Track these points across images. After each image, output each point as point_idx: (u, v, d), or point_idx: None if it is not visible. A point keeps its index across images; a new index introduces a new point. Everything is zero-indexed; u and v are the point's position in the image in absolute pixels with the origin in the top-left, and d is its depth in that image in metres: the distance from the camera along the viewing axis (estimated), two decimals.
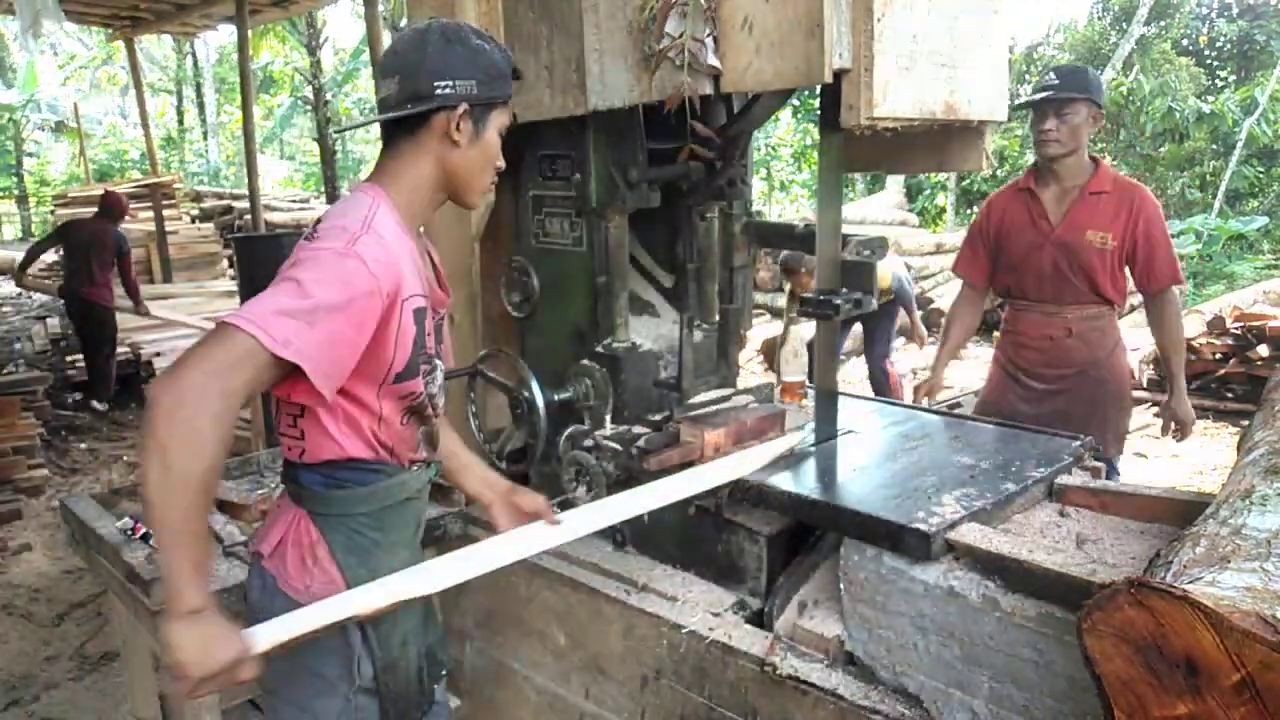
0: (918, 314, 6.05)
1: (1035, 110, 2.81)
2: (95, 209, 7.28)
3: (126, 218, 7.31)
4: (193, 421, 1.22)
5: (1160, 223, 2.83)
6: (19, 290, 8.86)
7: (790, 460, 2.03)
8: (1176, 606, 1.03)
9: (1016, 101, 2.49)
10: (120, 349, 7.04)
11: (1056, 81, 2.77)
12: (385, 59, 1.52)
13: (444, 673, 1.77)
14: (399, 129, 1.51)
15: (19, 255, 12.47)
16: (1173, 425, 2.98)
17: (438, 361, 1.61)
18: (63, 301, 6.99)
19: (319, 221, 1.46)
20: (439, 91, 1.46)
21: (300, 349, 1.29)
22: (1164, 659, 1.05)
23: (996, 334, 3.32)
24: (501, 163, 1.60)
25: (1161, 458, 5.37)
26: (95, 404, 6.89)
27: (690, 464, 1.97)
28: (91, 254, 6.74)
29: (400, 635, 1.59)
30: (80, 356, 7.20)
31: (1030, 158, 12.71)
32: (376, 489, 1.53)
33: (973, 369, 7.20)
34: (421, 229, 1.62)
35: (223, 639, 1.25)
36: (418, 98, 1.47)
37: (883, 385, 5.83)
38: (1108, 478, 2.84)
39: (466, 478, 1.80)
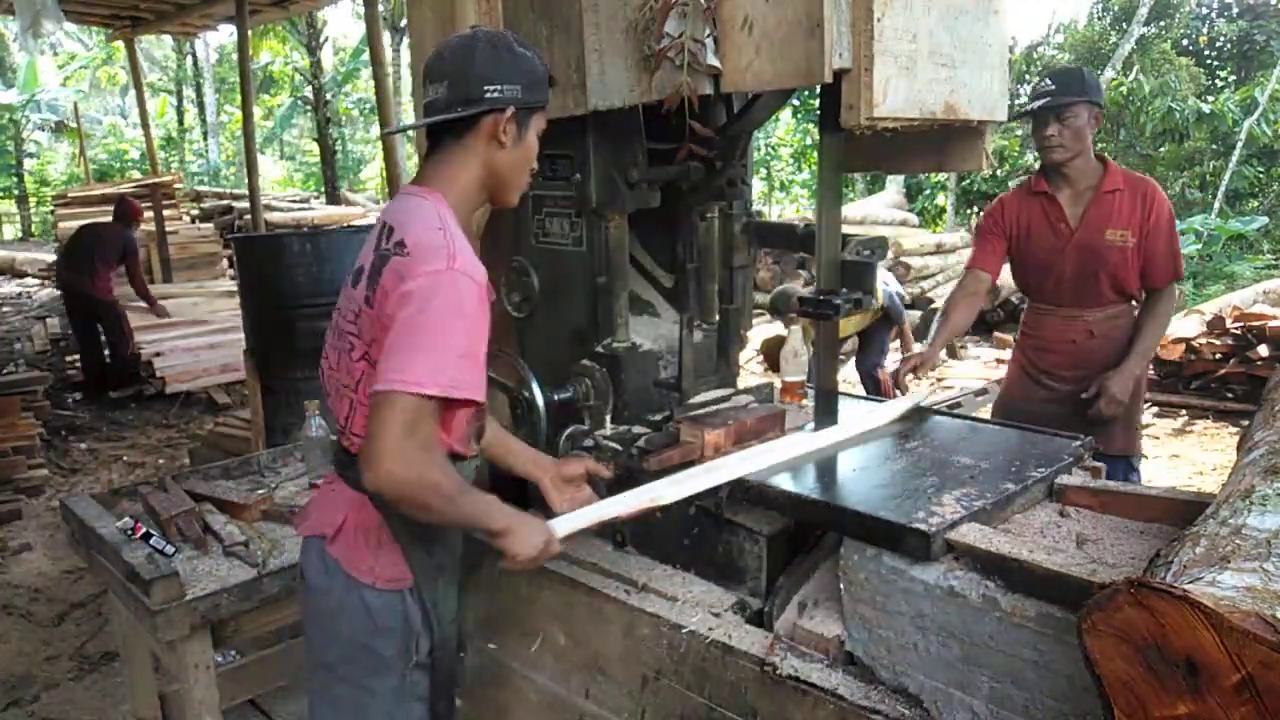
0: (908, 324, 6.10)
1: (1035, 118, 2.79)
2: (111, 210, 7.31)
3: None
4: (424, 485, 1.42)
5: (1170, 218, 2.82)
6: (19, 290, 8.88)
7: (801, 458, 2.06)
8: (1176, 606, 1.03)
9: (1015, 107, 2.47)
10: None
11: (1053, 87, 2.75)
12: (432, 64, 1.59)
13: (461, 654, 1.82)
14: (447, 132, 1.59)
15: (19, 255, 12.53)
16: (1096, 391, 2.78)
17: None
18: (60, 293, 7.01)
19: (389, 233, 1.52)
20: (488, 95, 1.54)
21: (468, 384, 1.45)
22: (1164, 659, 1.05)
23: (998, 334, 3.31)
24: (536, 164, 1.68)
25: (1161, 458, 5.37)
26: (113, 395, 6.88)
27: (692, 462, 1.98)
28: (94, 250, 6.78)
29: (450, 613, 1.68)
30: (77, 357, 7.20)
31: (1030, 157, 12.72)
32: None
33: (973, 368, 7.20)
34: None
35: (536, 530, 1.56)
36: (469, 101, 1.54)
37: (872, 391, 5.85)
38: (1127, 477, 2.83)
39: (517, 460, 1.90)
